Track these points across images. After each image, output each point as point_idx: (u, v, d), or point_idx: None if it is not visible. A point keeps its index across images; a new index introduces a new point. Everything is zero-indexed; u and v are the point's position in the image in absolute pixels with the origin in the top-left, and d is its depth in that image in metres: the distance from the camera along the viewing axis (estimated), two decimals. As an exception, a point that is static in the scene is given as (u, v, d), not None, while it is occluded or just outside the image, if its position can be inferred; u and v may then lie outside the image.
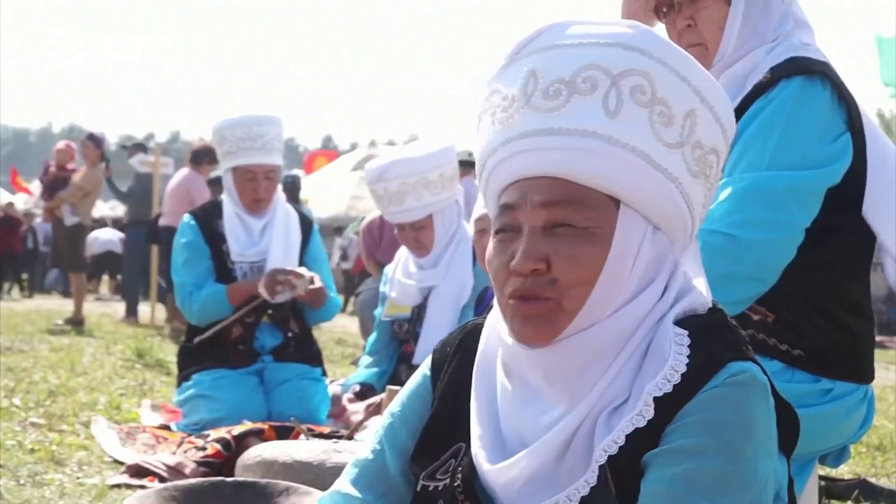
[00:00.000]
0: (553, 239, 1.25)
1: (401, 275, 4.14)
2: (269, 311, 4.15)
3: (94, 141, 9.64)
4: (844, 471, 3.67)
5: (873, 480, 3.48)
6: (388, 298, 4.18)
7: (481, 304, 3.90)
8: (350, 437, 3.08)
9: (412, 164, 3.97)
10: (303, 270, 4.10)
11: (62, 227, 9.57)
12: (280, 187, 4.39)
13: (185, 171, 9.00)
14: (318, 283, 4.09)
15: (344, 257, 16.81)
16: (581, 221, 1.24)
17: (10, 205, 17.83)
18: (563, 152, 1.25)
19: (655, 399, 1.21)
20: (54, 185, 9.82)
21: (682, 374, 1.21)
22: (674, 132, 1.26)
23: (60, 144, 10.63)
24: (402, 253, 4.22)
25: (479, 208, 3.53)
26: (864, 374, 2.19)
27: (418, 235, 4.03)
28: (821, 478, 3.11)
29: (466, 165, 8.91)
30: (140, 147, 10.50)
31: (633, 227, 1.26)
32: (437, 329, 3.87)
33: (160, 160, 10.14)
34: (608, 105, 1.24)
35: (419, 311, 4.07)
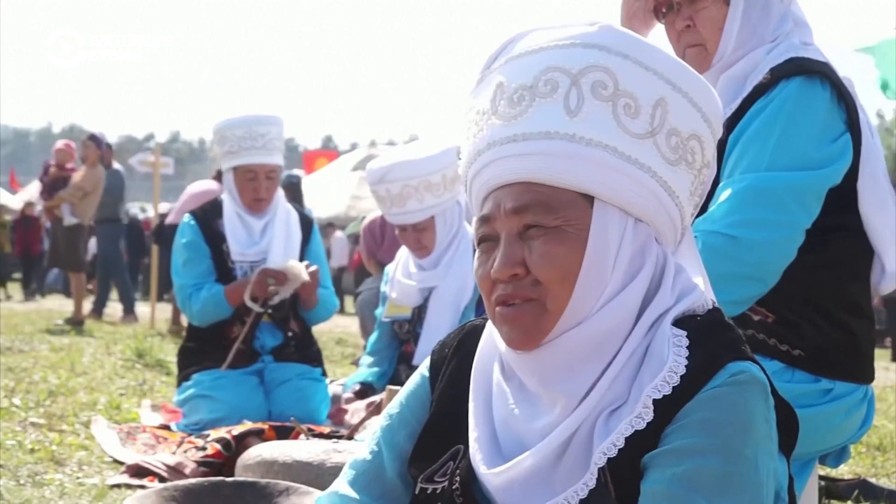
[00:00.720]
0: (528, 242, 1.26)
1: (401, 275, 4.14)
2: (269, 311, 4.16)
3: (95, 141, 9.65)
4: (844, 471, 3.67)
5: (873, 480, 3.48)
6: (388, 299, 4.18)
7: (482, 304, 3.89)
8: (350, 437, 3.08)
9: (414, 166, 3.97)
10: (293, 263, 4.10)
11: (61, 226, 9.58)
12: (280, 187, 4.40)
13: (212, 183, 8.85)
14: (304, 274, 4.08)
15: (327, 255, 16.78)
16: (551, 221, 1.25)
17: (30, 205, 17.33)
18: (529, 157, 1.26)
19: (654, 401, 1.21)
20: (54, 185, 9.82)
21: (681, 376, 1.21)
22: (642, 122, 1.26)
23: (60, 144, 10.63)
24: (403, 253, 4.22)
25: None
26: (864, 374, 2.19)
27: (419, 237, 4.03)
28: (821, 478, 3.11)
29: None
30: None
31: (610, 221, 1.26)
32: (437, 330, 3.87)
33: (160, 160, 10.15)
34: (569, 104, 1.25)
35: (419, 312, 4.07)
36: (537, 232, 1.25)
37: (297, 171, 12.40)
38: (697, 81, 1.30)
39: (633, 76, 1.26)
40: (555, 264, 1.24)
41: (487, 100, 1.31)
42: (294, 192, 9.22)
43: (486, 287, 1.29)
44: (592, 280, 1.25)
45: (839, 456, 2.29)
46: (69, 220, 9.46)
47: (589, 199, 1.26)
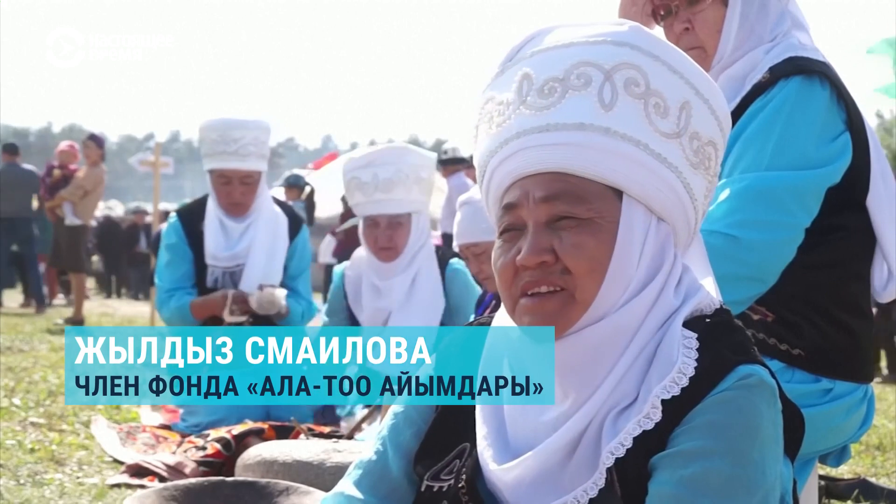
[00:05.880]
0: (558, 232, 1.26)
1: (367, 292, 3.92)
2: (250, 319, 4.05)
3: (96, 141, 9.67)
4: (844, 471, 3.67)
5: (873, 480, 3.48)
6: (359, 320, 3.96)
7: (480, 306, 3.87)
8: (350, 437, 3.09)
9: (409, 153, 3.92)
10: (269, 293, 4.02)
11: (63, 226, 9.58)
12: (266, 190, 4.30)
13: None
14: (281, 304, 4.04)
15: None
16: (583, 213, 1.25)
17: None
18: (561, 147, 1.26)
19: (663, 402, 1.21)
20: (57, 185, 9.84)
21: (690, 378, 1.22)
22: (670, 123, 1.27)
23: (63, 145, 10.66)
24: (360, 260, 4.00)
25: (465, 234, 3.54)
26: (864, 373, 2.19)
27: (393, 234, 3.84)
28: (821, 478, 3.11)
29: (454, 163, 9.11)
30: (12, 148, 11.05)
31: (636, 217, 1.27)
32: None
33: (160, 160, 10.14)
34: (603, 98, 1.26)
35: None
36: (569, 223, 1.26)
37: (297, 171, 12.41)
38: (716, 90, 1.32)
39: (662, 77, 1.27)
40: (586, 254, 1.25)
41: (512, 90, 1.30)
42: (307, 203, 9.21)
43: (508, 275, 1.29)
44: (620, 274, 1.25)
45: (839, 456, 2.29)
46: (71, 220, 9.47)
47: (616, 194, 1.27)
